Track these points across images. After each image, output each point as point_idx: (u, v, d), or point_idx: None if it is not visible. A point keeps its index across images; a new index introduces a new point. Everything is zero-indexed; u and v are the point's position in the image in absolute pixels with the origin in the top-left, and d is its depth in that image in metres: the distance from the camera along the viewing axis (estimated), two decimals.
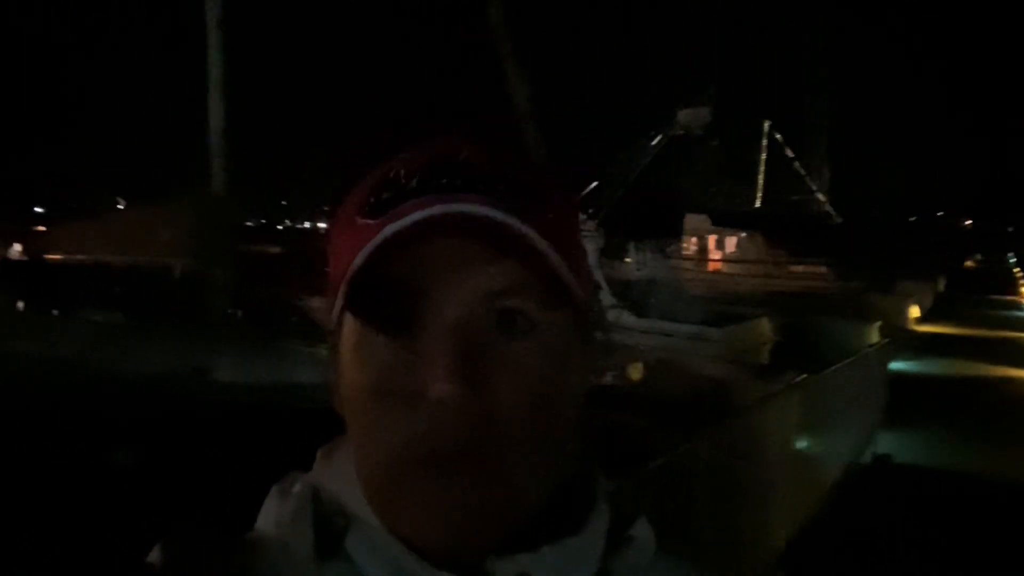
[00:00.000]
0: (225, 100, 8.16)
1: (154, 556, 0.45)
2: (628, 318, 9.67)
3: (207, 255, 11.03)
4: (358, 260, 0.42)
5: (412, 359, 0.43)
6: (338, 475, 0.49)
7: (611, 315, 9.40)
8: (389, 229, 0.42)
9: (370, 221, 0.44)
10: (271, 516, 0.49)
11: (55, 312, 10.61)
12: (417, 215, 0.42)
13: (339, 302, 0.44)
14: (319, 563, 0.45)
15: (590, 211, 11.94)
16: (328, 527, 0.47)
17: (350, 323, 0.45)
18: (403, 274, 0.43)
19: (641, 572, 0.50)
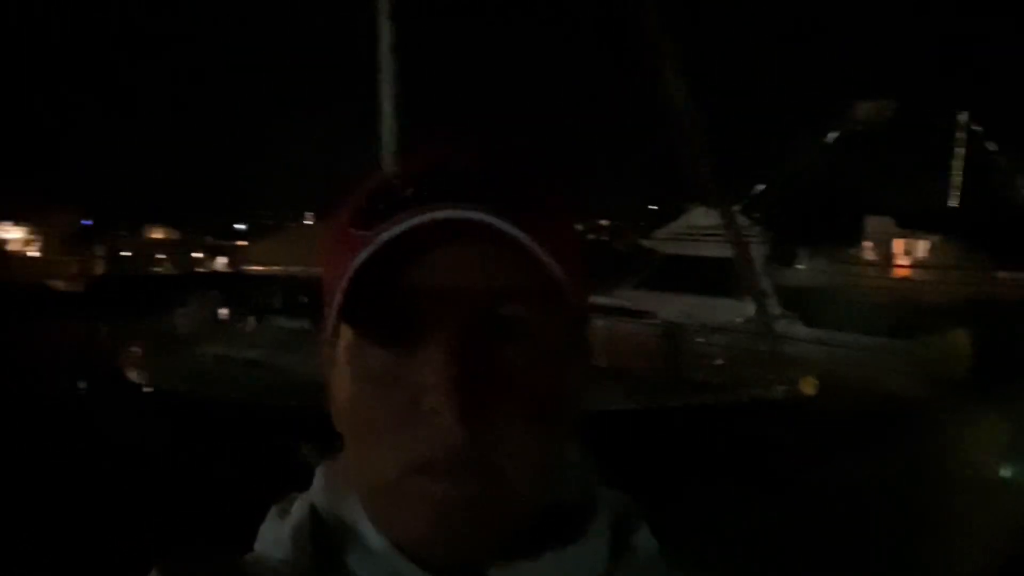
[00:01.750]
0: (397, 118, 8.63)
1: None
2: (799, 328, 9.09)
3: None
4: (351, 268, 0.42)
5: (409, 368, 0.42)
6: (336, 491, 0.49)
7: (780, 325, 8.89)
8: (382, 237, 0.42)
9: (365, 231, 0.43)
10: (270, 536, 0.50)
11: (251, 318, 11.79)
12: (410, 222, 0.42)
13: (333, 312, 0.43)
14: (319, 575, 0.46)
15: (756, 215, 11.38)
16: (328, 544, 0.47)
17: (346, 334, 0.45)
18: (398, 282, 0.42)
19: None
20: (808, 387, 7.44)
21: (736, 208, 10.56)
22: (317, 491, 0.51)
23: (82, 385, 11.33)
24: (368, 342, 0.44)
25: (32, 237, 34.62)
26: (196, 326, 10.27)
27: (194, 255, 39.58)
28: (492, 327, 0.43)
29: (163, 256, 38.83)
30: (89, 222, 38.46)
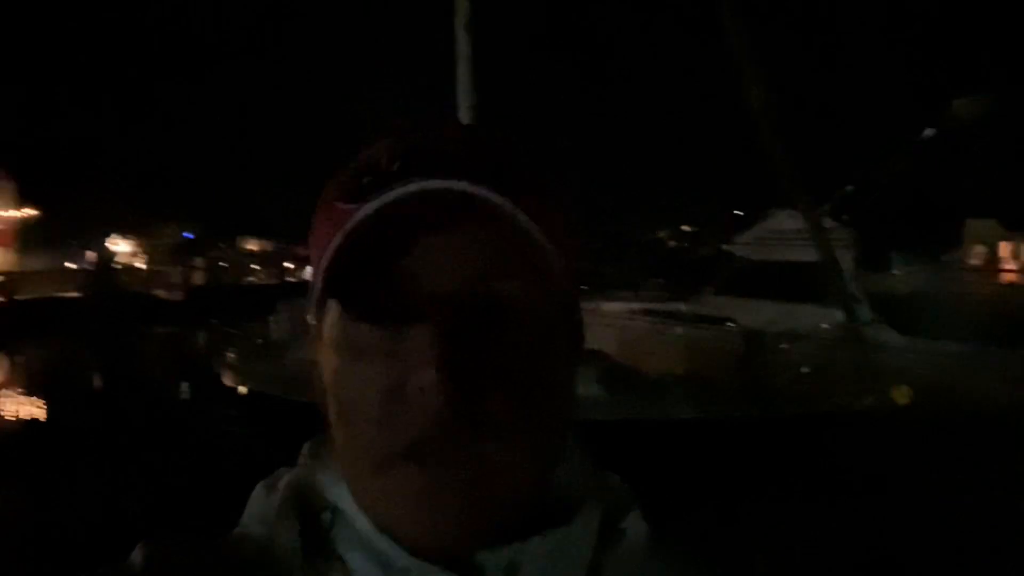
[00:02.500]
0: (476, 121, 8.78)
1: (134, 558, 0.45)
2: (892, 336, 8.67)
3: None
4: (335, 242, 0.41)
5: (395, 346, 0.42)
6: (323, 470, 0.48)
7: (870, 332, 8.50)
8: (365, 209, 0.41)
9: (350, 205, 0.42)
10: (256, 512, 0.49)
11: None
12: (394, 193, 0.41)
13: (316, 288, 0.43)
14: (305, 558, 0.45)
15: (845, 217, 10.94)
16: (314, 522, 0.47)
17: (331, 311, 0.44)
18: (384, 258, 0.42)
19: (635, 566, 0.48)
20: (901, 397, 7.09)
21: (824, 210, 10.19)
22: (303, 468, 0.50)
23: (184, 387, 12.02)
24: (354, 319, 0.43)
25: (139, 249, 36.96)
26: (286, 332, 10.69)
27: (285, 265, 41.25)
28: (481, 305, 0.42)
29: (257, 266, 40.66)
30: (191, 235, 40.71)
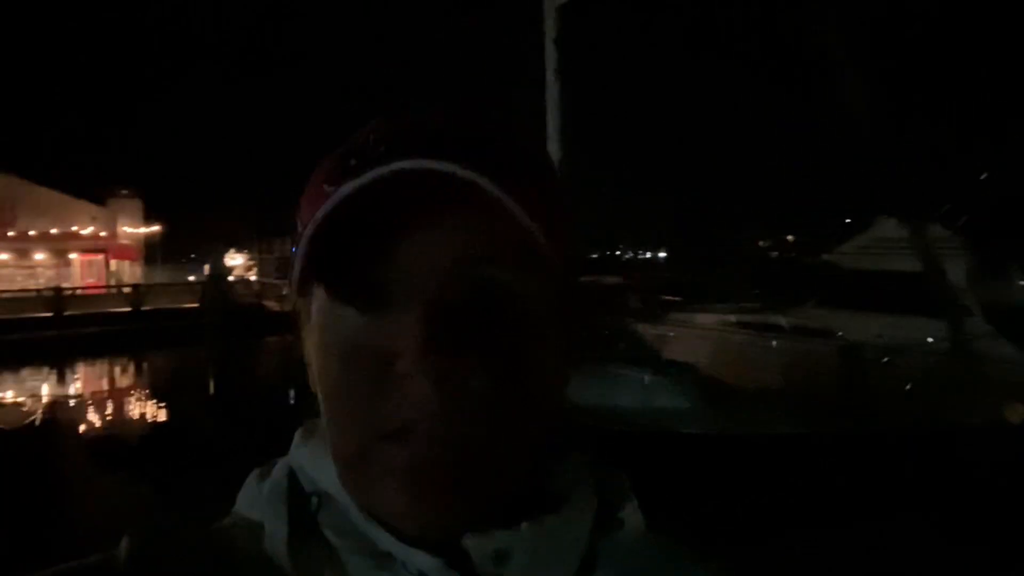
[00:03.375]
0: (561, 134, 8.86)
1: (122, 546, 0.44)
2: (1008, 350, 8.07)
3: None
4: (316, 218, 0.40)
5: (381, 330, 0.41)
6: (314, 454, 0.48)
7: (983, 345, 7.95)
8: (344, 190, 0.40)
9: (334, 187, 0.41)
10: (248, 498, 0.49)
11: None
12: (374, 173, 0.40)
13: (296, 267, 0.41)
14: (293, 543, 0.44)
15: (958, 225, 10.27)
16: (304, 507, 0.46)
17: (318, 294, 0.44)
18: (368, 237, 0.41)
19: (631, 557, 0.48)
20: (1014, 415, 6.61)
21: (935, 217, 9.65)
22: (295, 453, 0.50)
23: (291, 393, 12.62)
24: (339, 303, 0.42)
25: (252, 263, 39.14)
26: None
27: None
28: (467, 288, 0.41)
29: None
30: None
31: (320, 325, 0.44)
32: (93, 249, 28.71)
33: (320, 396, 0.45)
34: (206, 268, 32.24)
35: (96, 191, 29.34)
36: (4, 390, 15.05)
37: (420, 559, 0.42)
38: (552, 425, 0.47)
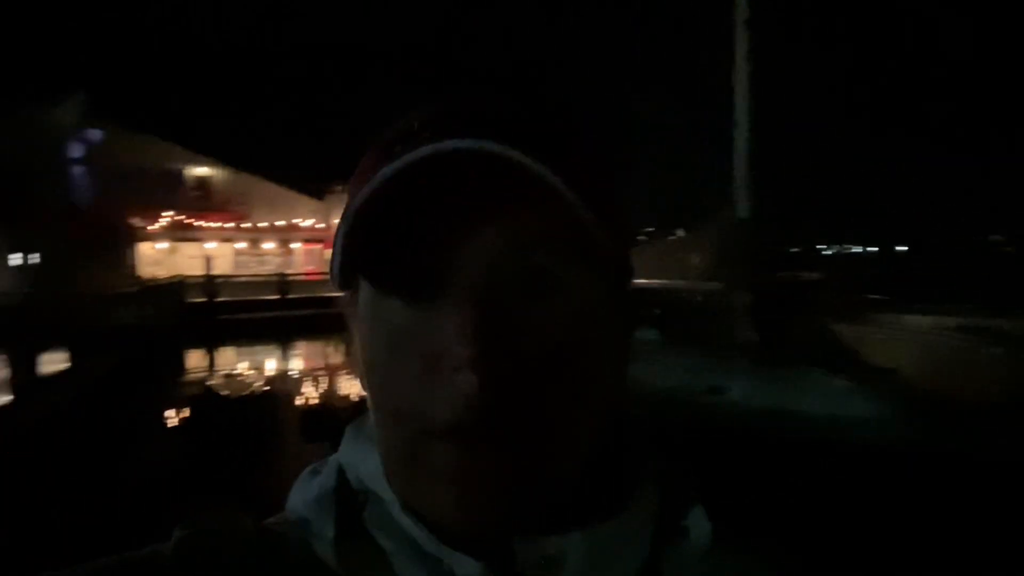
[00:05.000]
0: (751, 123, 8.41)
1: (170, 541, 0.44)
2: None
3: (733, 280, 11.53)
4: (355, 204, 0.38)
5: (429, 322, 0.39)
6: (362, 452, 0.47)
7: None
8: (384, 172, 0.37)
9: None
10: (299, 496, 0.48)
11: None
12: (422, 151, 0.37)
13: (336, 256, 0.39)
14: (340, 542, 0.43)
15: None
16: (352, 506, 0.45)
17: (364, 287, 0.42)
18: (411, 225, 0.39)
19: (694, 569, 0.45)
20: None
21: None
22: (344, 451, 0.49)
23: None
24: (385, 295, 0.41)
25: None
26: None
27: None
28: (518, 278, 0.39)
29: None
30: None
31: (366, 318, 0.43)
32: (312, 239, 31.89)
33: (368, 391, 0.44)
34: None
35: (315, 187, 32.48)
36: (234, 362, 17.14)
37: (466, 562, 0.40)
38: (608, 423, 0.45)
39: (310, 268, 30.42)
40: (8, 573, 4.57)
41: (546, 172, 0.37)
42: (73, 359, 10.37)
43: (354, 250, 0.39)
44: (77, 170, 22.75)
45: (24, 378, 8.71)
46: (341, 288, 0.45)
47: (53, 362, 9.81)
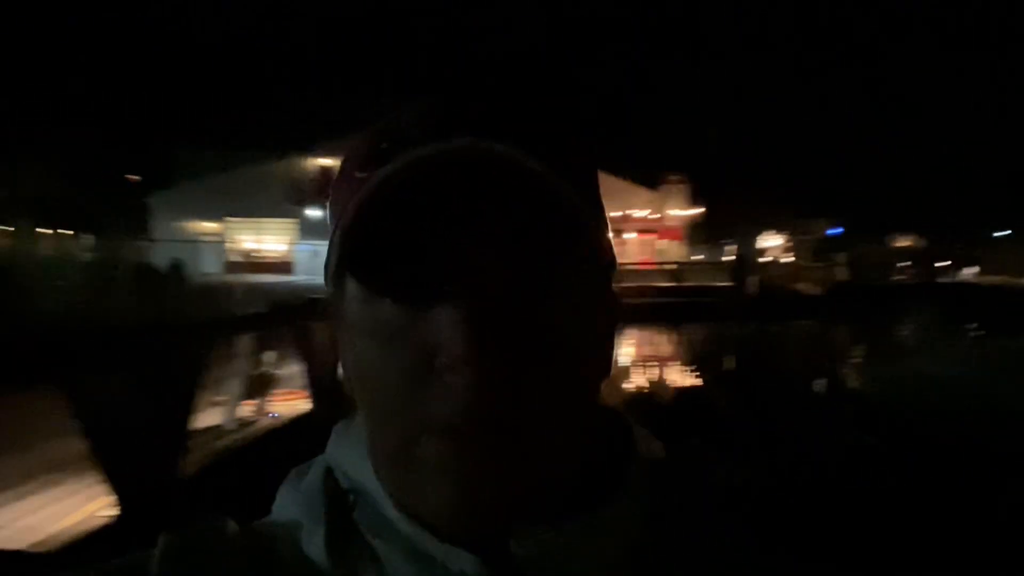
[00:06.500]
0: None
1: (158, 545, 0.44)
2: None
3: None
4: (349, 212, 0.38)
5: (420, 322, 0.39)
6: (351, 452, 0.47)
7: None
8: (380, 175, 0.38)
9: (366, 174, 0.40)
10: (286, 498, 0.48)
11: (973, 334, 10.55)
12: (414, 153, 0.38)
13: (331, 262, 0.40)
14: (331, 543, 0.43)
15: None
16: (342, 507, 0.45)
17: (351, 286, 0.42)
18: (406, 225, 0.38)
19: (688, 550, 0.45)
20: None
21: None
22: (332, 451, 0.49)
23: (819, 383, 12.11)
24: (375, 295, 0.40)
25: (788, 245, 38.72)
26: (912, 339, 9.85)
27: (938, 264, 37.23)
28: (513, 278, 0.39)
29: (907, 264, 37.84)
30: (837, 230, 40.45)
31: (355, 317, 0.42)
32: (645, 230, 32.41)
33: (357, 393, 0.44)
34: (735, 249, 33.33)
35: (650, 177, 32.91)
36: None
37: (461, 559, 0.40)
38: (599, 415, 0.46)
39: (643, 258, 30.98)
40: None
41: (548, 171, 0.37)
42: None
43: (352, 250, 0.39)
44: None
45: None
46: (333, 287, 0.44)
47: None
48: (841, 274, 32.11)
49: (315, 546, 0.44)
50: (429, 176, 0.38)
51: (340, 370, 0.46)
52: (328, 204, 0.44)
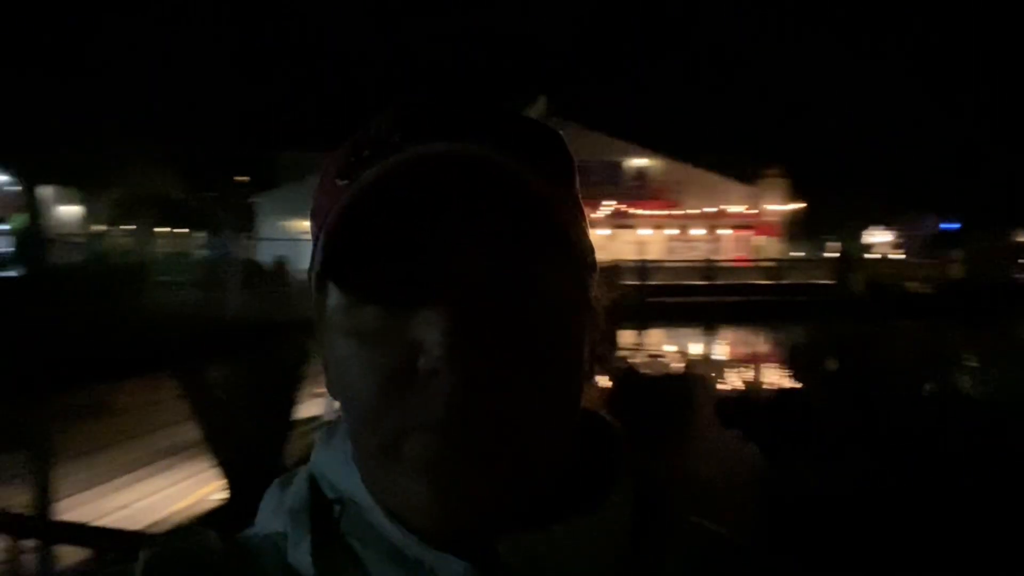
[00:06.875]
0: None
1: (139, 561, 0.43)
2: None
3: None
4: (331, 219, 0.39)
5: (405, 323, 0.39)
6: (335, 459, 0.47)
7: None
8: (361, 181, 0.39)
9: (349, 181, 0.40)
10: (270, 508, 0.48)
11: None
12: (390, 162, 0.39)
13: (314, 267, 0.40)
14: (317, 553, 0.43)
15: None
16: (327, 515, 0.44)
17: (334, 290, 0.42)
18: (388, 230, 0.39)
19: (674, 552, 0.45)
20: None
21: None
22: (316, 459, 0.48)
23: (927, 386, 11.54)
24: (357, 301, 0.40)
25: (898, 240, 36.81)
26: None
27: None
28: (495, 280, 0.39)
29: None
30: (953, 225, 38.13)
31: (338, 321, 0.42)
32: (740, 226, 31.54)
33: (340, 397, 0.43)
34: (837, 245, 31.94)
35: (747, 172, 31.96)
36: (660, 343, 18.00)
37: (448, 563, 0.40)
38: (579, 417, 0.46)
39: (738, 255, 30.18)
40: None
41: (527, 174, 0.38)
42: None
43: (336, 253, 0.39)
44: None
45: None
46: (317, 291, 0.44)
47: None
48: (956, 271, 30.25)
49: (302, 557, 0.43)
50: (409, 180, 0.38)
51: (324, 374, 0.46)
52: (310, 213, 0.45)
